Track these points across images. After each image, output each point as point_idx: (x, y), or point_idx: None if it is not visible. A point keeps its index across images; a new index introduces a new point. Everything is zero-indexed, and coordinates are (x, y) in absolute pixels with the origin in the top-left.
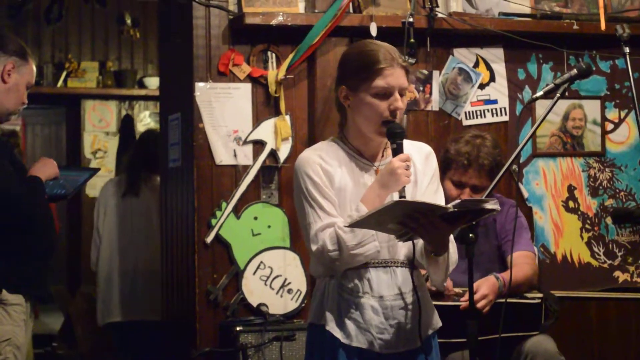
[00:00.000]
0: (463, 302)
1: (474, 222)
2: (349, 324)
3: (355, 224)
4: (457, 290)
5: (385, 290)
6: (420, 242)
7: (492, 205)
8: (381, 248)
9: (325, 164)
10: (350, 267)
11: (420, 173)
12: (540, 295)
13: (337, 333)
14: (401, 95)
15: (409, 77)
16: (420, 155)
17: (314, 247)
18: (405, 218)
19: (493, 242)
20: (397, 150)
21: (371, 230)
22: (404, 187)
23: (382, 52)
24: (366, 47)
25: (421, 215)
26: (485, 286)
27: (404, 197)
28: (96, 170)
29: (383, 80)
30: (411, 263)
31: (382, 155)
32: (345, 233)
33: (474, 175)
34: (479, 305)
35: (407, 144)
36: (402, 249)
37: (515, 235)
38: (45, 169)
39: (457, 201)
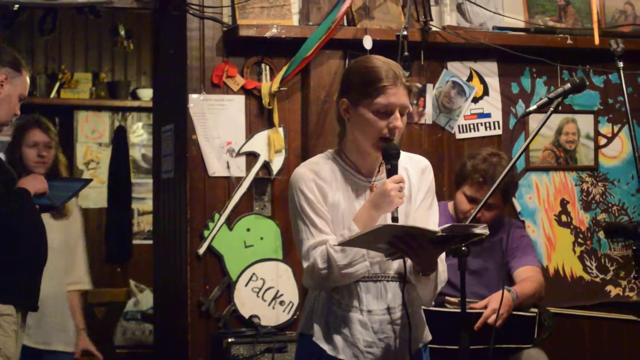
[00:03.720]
0: (472, 311)
1: (463, 246)
2: (336, 337)
3: (345, 243)
4: (453, 299)
5: (375, 305)
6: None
7: (480, 230)
8: (372, 263)
9: (320, 180)
10: (340, 284)
11: (415, 188)
12: (535, 309)
13: (324, 345)
14: (401, 114)
15: (412, 96)
16: (415, 170)
17: (305, 264)
18: (394, 239)
19: (498, 259)
20: (392, 171)
21: (362, 250)
22: (397, 207)
23: (387, 69)
24: (371, 62)
25: (410, 238)
26: (495, 300)
27: (397, 217)
28: (88, 181)
29: (385, 99)
30: (402, 278)
31: (378, 171)
32: (336, 252)
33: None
34: (490, 320)
35: (404, 157)
36: (394, 263)
37: (521, 251)
38: (35, 183)
39: (446, 225)
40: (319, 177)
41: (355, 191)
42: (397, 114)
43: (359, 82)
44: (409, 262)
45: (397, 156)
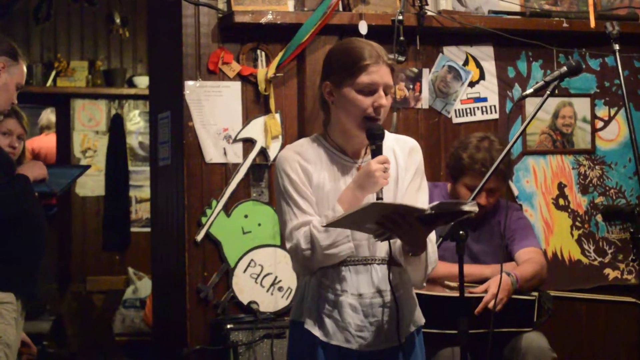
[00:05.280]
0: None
1: (460, 229)
2: (328, 322)
3: (332, 224)
4: (452, 283)
5: (365, 288)
6: (398, 241)
7: (469, 207)
8: (361, 245)
9: (304, 162)
10: (324, 266)
11: (402, 170)
12: (535, 293)
13: (316, 331)
14: (385, 93)
15: (395, 76)
16: (403, 151)
17: (288, 245)
18: (382, 219)
19: (497, 242)
20: (376, 152)
21: (346, 231)
22: (382, 188)
23: (368, 49)
24: (352, 43)
25: (398, 217)
26: (495, 284)
27: (381, 198)
28: (86, 167)
29: (367, 77)
30: (390, 260)
31: (365, 152)
32: (320, 232)
33: (491, 179)
34: (490, 305)
35: (391, 138)
36: (382, 246)
37: (521, 233)
38: (34, 169)
39: (435, 203)
40: (303, 158)
41: (341, 172)
42: (381, 92)
43: (342, 63)
44: (395, 244)
45: (382, 137)
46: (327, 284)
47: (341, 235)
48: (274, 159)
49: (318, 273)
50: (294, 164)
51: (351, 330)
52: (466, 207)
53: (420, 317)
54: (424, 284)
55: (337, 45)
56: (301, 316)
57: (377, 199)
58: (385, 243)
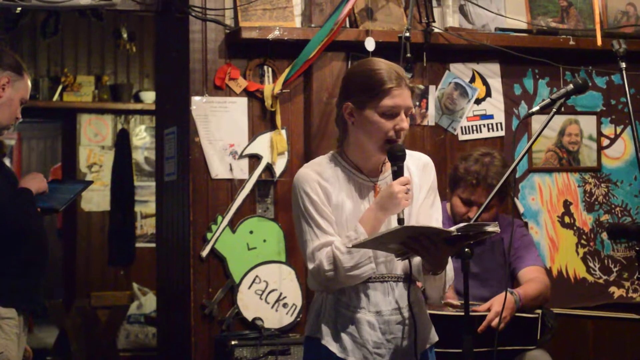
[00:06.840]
0: (470, 314)
1: (471, 242)
2: (345, 338)
3: (359, 245)
4: (455, 302)
5: (383, 306)
6: (416, 259)
7: (492, 228)
8: (379, 263)
9: (323, 181)
10: (345, 286)
11: (416, 186)
12: (539, 310)
13: (333, 347)
14: (405, 115)
15: (413, 97)
16: (417, 167)
17: (310, 266)
18: (408, 240)
19: (499, 260)
20: (398, 173)
21: (369, 252)
22: (403, 209)
23: (391, 71)
24: (374, 65)
25: (424, 238)
26: (498, 303)
27: (402, 219)
28: (89, 182)
29: (391, 100)
30: (408, 278)
31: (381, 171)
32: (343, 254)
33: (482, 194)
34: (493, 323)
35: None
36: (399, 263)
37: (524, 251)
38: (35, 182)
39: (461, 225)
40: (322, 177)
41: (359, 191)
42: (403, 115)
43: (364, 85)
44: (414, 262)
45: (403, 158)
46: (345, 301)
47: (364, 256)
48: (280, 175)
49: (335, 290)
50: (313, 184)
51: (369, 347)
52: (489, 229)
53: (434, 335)
54: (442, 301)
55: (358, 66)
56: (317, 332)
57: (398, 219)
58: (402, 261)
